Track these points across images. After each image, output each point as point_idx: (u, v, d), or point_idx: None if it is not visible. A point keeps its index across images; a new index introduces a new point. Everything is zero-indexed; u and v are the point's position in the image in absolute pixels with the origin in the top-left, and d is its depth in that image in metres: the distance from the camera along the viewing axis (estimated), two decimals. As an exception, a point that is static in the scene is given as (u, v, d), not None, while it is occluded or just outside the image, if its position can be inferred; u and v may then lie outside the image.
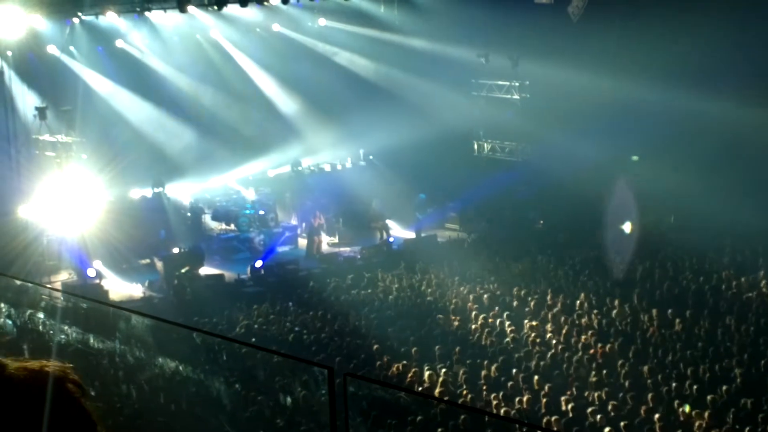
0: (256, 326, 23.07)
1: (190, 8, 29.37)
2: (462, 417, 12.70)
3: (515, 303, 24.44)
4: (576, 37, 33.88)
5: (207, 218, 34.38)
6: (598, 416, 16.64)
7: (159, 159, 33.06)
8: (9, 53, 28.26)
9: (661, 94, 31.84)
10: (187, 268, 28.49)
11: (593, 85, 33.20)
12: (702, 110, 31.20)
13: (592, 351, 20.72)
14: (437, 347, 21.00)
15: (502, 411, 16.85)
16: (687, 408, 18.07)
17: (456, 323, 23.25)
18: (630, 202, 33.04)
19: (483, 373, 19.08)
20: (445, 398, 17.47)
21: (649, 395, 17.80)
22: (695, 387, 18.08)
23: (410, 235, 33.62)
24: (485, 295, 25.28)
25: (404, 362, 19.37)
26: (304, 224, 33.68)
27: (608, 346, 20.90)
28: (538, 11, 35.78)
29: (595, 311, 23.26)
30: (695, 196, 29.71)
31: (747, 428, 16.10)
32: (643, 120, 33.10)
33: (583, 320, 22.81)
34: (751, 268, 26.15)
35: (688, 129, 32.49)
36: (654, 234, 30.80)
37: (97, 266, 28.74)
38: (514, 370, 19.37)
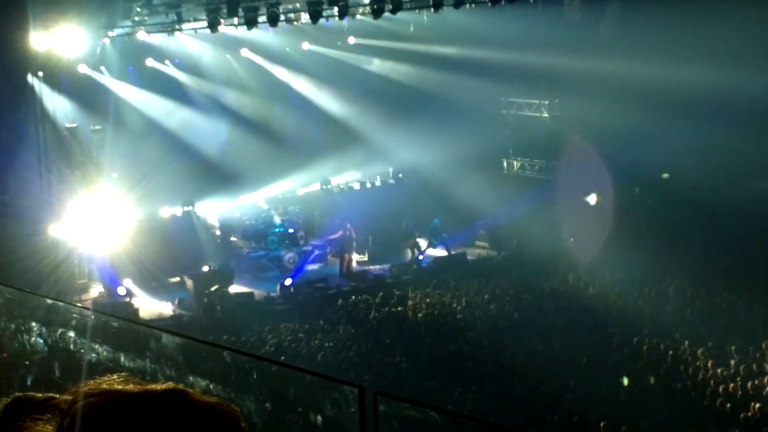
0: (285, 344, 23.07)
1: (221, 28, 29.49)
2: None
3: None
4: (606, 53, 33.65)
5: (236, 237, 34.45)
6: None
7: (189, 178, 33.11)
8: (40, 73, 28.47)
9: (697, 107, 31.30)
10: (216, 287, 28.53)
11: (622, 102, 32.96)
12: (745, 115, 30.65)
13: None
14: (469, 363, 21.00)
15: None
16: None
17: (486, 341, 23.19)
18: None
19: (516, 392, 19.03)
20: (476, 417, 17.39)
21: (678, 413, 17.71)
22: (728, 405, 17.93)
23: (441, 252, 33.56)
24: (515, 314, 25.21)
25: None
26: (333, 242, 33.61)
27: (639, 363, 20.80)
28: (568, 27, 35.71)
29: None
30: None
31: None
32: (674, 136, 32.76)
33: (614, 339, 22.70)
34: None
35: (709, 145, 32.01)
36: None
37: (127, 284, 28.85)
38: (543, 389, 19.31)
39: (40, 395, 2.27)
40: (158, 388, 1.98)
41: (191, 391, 2.00)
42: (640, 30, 33.26)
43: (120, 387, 1.99)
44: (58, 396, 2.25)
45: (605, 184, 33.42)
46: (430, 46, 37.52)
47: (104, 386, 1.99)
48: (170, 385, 2.00)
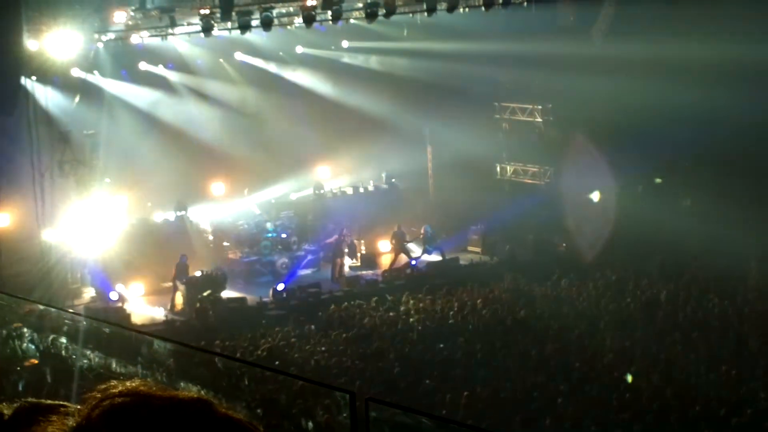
0: (277, 350, 23.06)
1: (214, 32, 29.47)
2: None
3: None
4: (599, 58, 33.62)
5: (229, 241, 34.36)
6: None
7: (181, 182, 33.05)
8: (33, 77, 28.43)
9: (691, 109, 31.16)
10: (209, 292, 28.50)
11: (616, 108, 32.95)
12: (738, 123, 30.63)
13: (616, 374, 20.63)
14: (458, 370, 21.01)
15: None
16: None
17: (478, 345, 23.21)
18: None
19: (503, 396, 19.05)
20: (468, 422, 17.39)
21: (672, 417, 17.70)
22: (721, 410, 17.94)
23: (434, 258, 33.53)
24: (508, 318, 25.23)
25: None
26: (328, 246, 33.56)
27: (633, 368, 20.81)
28: (562, 31, 35.73)
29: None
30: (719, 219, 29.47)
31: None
32: (668, 140, 32.84)
33: (606, 343, 22.73)
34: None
35: (701, 150, 32.03)
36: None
37: (119, 289, 28.82)
38: (536, 394, 19.32)
39: (48, 401, 2.28)
40: (186, 396, 2.00)
41: (217, 403, 2.01)
42: (633, 33, 33.20)
43: (146, 390, 2.01)
44: (69, 405, 2.26)
45: (607, 183, 33.44)
46: (422, 48, 37.38)
47: (131, 388, 2.00)
48: (197, 394, 2.02)
